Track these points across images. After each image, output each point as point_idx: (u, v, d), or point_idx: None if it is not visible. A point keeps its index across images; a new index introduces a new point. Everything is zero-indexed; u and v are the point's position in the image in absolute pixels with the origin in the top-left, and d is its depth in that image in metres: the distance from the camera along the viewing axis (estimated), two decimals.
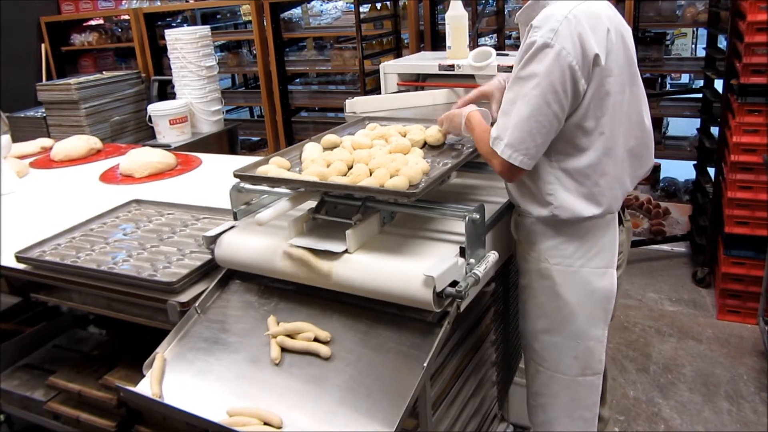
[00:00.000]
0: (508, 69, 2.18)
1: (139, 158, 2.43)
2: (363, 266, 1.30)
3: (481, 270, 1.29)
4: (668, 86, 6.13)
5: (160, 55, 4.55)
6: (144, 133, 4.00)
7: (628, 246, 1.72)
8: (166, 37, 3.72)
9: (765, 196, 2.78)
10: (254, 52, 4.49)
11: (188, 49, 3.67)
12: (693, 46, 6.82)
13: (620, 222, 1.60)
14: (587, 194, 1.45)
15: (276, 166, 1.50)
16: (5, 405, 2.02)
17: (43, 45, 4.78)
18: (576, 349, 1.58)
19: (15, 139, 2.94)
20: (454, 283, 1.24)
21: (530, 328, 1.64)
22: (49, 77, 4.76)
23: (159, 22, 4.71)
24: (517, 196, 1.54)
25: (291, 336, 1.32)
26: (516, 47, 4.24)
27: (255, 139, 5.11)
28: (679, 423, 2.37)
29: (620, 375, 2.66)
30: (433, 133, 1.65)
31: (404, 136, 1.66)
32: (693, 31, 6.58)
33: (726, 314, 3.01)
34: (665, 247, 3.75)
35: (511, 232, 1.65)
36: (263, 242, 1.42)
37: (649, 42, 3.64)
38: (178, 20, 5.26)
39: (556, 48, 1.29)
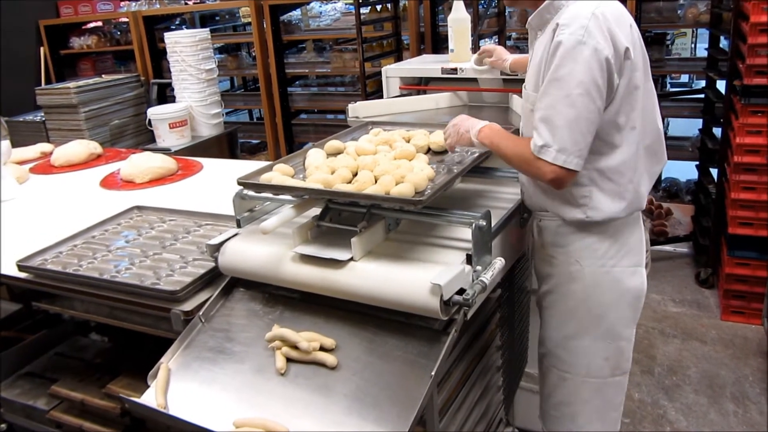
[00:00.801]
0: (511, 72, 2.17)
1: (140, 163, 2.42)
2: (369, 274, 1.29)
3: (488, 277, 1.27)
4: (668, 86, 6.13)
5: (159, 58, 4.54)
6: (144, 137, 3.99)
7: (649, 244, 1.71)
8: (166, 40, 3.70)
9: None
10: (254, 54, 4.48)
11: (188, 52, 3.65)
12: (693, 45, 6.81)
13: None
14: (620, 193, 1.44)
15: (280, 173, 1.49)
16: (7, 414, 2.00)
17: (42, 48, 4.77)
18: (607, 351, 1.56)
19: (14, 144, 2.93)
20: (461, 291, 1.23)
21: (555, 335, 1.61)
22: (48, 81, 4.75)
23: (158, 25, 4.70)
24: (544, 201, 1.52)
25: (293, 347, 1.30)
26: (518, 48, 4.24)
27: (255, 141, 5.10)
28: (685, 425, 2.36)
29: None
30: (437, 138, 1.64)
31: (408, 141, 1.65)
32: (693, 31, 6.58)
33: (730, 315, 3.00)
34: (668, 248, 3.74)
35: (529, 237, 1.63)
36: (267, 250, 1.41)
37: (650, 42, 3.63)
38: (177, 23, 5.24)
39: (591, 44, 1.27)
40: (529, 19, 1.47)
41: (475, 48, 2.45)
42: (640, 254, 1.53)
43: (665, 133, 4.10)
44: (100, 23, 5.08)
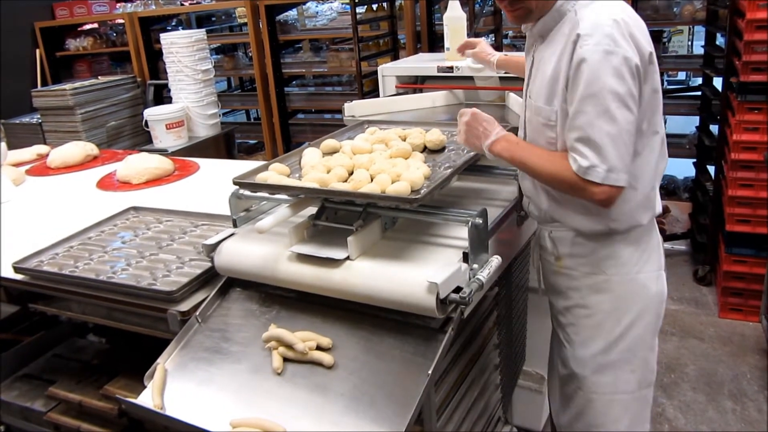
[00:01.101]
0: None
1: (136, 164, 2.42)
2: (365, 273, 1.29)
3: (484, 275, 1.27)
4: (665, 84, 6.13)
5: (155, 59, 4.53)
6: (140, 138, 3.98)
7: None
8: (162, 41, 3.70)
9: (766, 194, 2.78)
10: (250, 54, 4.48)
11: (184, 52, 3.65)
12: (689, 43, 6.82)
13: None
14: (644, 200, 1.39)
15: (275, 172, 1.49)
16: (5, 416, 1.99)
17: (37, 50, 4.77)
18: (632, 363, 1.49)
19: (10, 146, 2.92)
20: (457, 289, 1.23)
21: (582, 354, 1.52)
22: (44, 83, 4.75)
23: (154, 26, 4.69)
24: (561, 214, 1.45)
25: (288, 347, 1.30)
26: (514, 47, 4.24)
27: (252, 142, 5.10)
28: (683, 423, 2.36)
29: None
30: (433, 137, 1.64)
31: (404, 140, 1.65)
32: (689, 28, 6.58)
33: (728, 312, 3.00)
34: (665, 245, 3.70)
35: (535, 249, 1.57)
36: (264, 250, 1.41)
37: None
38: (173, 24, 5.24)
39: (620, 53, 1.22)
40: (533, 27, 1.40)
41: None
42: (661, 257, 1.49)
43: None
44: (95, 25, 5.08)
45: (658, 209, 1.45)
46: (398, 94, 2.47)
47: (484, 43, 2.01)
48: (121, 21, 4.68)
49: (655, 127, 1.36)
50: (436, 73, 2.38)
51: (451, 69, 2.33)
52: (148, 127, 3.64)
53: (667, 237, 3.65)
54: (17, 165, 2.79)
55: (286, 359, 1.30)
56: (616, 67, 1.22)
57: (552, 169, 1.33)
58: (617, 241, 1.43)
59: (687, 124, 4.10)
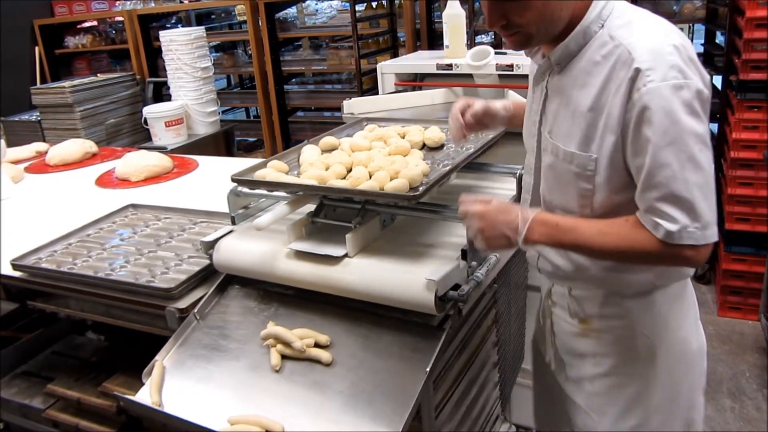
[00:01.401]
0: (507, 67, 2.17)
1: (135, 162, 2.41)
2: (363, 270, 1.29)
3: (482, 273, 1.27)
4: None
5: (154, 56, 4.53)
6: (139, 136, 3.98)
7: None
8: (161, 39, 3.69)
9: (765, 193, 2.78)
10: (249, 52, 4.48)
11: (183, 50, 3.65)
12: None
13: None
14: None
15: (274, 169, 1.49)
16: (4, 413, 1.99)
17: (36, 48, 4.76)
18: (677, 428, 1.31)
19: (9, 144, 2.92)
20: (456, 287, 1.22)
21: (620, 426, 1.30)
22: (44, 80, 4.74)
23: (153, 24, 4.69)
24: (592, 272, 1.22)
25: (286, 344, 1.30)
26: None
27: (251, 139, 5.10)
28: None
29: None
30: (432, 134, 1.63)
31: (403, 137, 1.65)
32: (689, 27, 6.58)
33: (727, 311, 3.00)
34: None
35: (546, 307, 1.38)
36: (262, 247, 1.41)
37: None
38: (173, 21, 5.23)
39: (692, 86, 1.01)
40: (552, 54, 1.14)
41: (471, 44, 2.45)
42: (695, 303, 1.31)
43: None
44: (95, 22, 5.07)
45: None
46: (397, 91, 2.47)
47: (480, 102, 1.44)
48: (120, 18, 4.67)
49: None
50: (435, 71, 2.38)
51: (450, 66, 2.33)
52: (147, 124, 3.64)
53: None
54: (16, 162, 2.79)
55: (284, 356, 1.30)
56: (689, 103, 1.01)
57: (622, 243, 1.09)
58: (658, 297, 1.23)
59: None
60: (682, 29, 6.81)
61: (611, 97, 1.05)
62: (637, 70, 1.01)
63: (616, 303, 1.24)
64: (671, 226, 1.03)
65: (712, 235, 1.04)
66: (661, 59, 1.01)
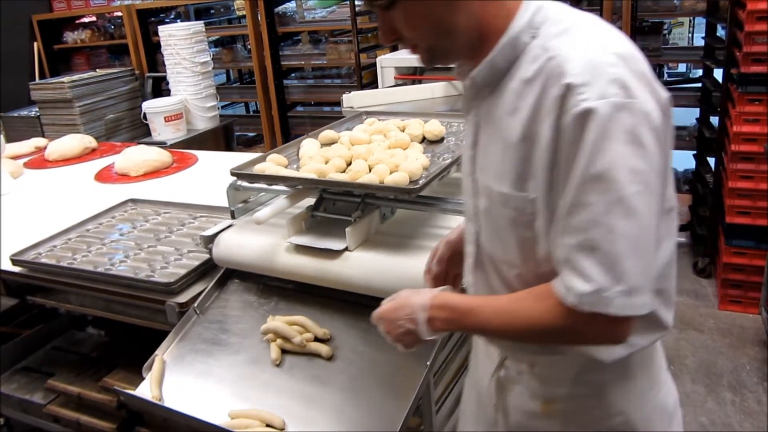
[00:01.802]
0: None
1: (134, 156, 2.41)
2: (363, 264, 1.28)
3: None
4: (666, 76, 6.11)
5: (153, 51, 4.52)
6: (139, 131, 3.97)
7: None
8: (160, 34, 3.68)
9: (766, 186, 2.77)
10: (249, 47, 4.46)
11: (182, 45, 3.63)
12: (690, 35, 6.79)
13: None
14: (665, 301, 0.96)
15: (273, 163, 1.48)
16: (4, 408, 2.00)
17: (35, 43, 4.74)
18: None
19: (9, 139, 2.92)
20: None
21: None
22: (42, 76, 4.73)
23: (152, 19, 4.67)
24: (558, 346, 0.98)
25: (286, 338, 1.30)
26: None
27: (251, 134, 5.09)
28: (682, 414, 2.36)
29: None
30: (432, 128, 1.63)
31: (403, 130, 1.64)
32: (690, 20, 6.56)
33: (727, 304, 3.00)
34: None
35: (506, 389, 1.07)
36: (262, 241, 1.40)
37: (647, 32, 3.61)
38: (172, 16, 5.21)
39: (636, 107, 0.79)
40: (474, 73, 0.91)
41: None
42: (663, 356, 1.10)
43: None
44: (93, 17, 5.05)
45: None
46: (397, 85, 2.46)
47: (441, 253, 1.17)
48: (119, 13, 4.66)
49: (671, 202, 0.93)
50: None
51: None
52: (146, 119, 3.63)
53: None
54: (15, 158, 2.78)
55: (284, 351, 1.29)
56: (631, 129, 0.78)
57: (519, 323, 0.90)
58: (635, 363, 0.99)
59: (687, 116, 4.09)
60: (682, 23, 6.79)
61: (544, 122, 0.83)
62: (568, 87, 0.79)
63: (590, 381, 0.99)
64: (582, 286, 0.80)
65: (641, 305, 0.81)
66: (598, 72, 0.79)
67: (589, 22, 0.88)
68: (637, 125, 0.78)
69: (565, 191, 0.82)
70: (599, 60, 0.80)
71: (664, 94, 0.84)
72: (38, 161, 2.75)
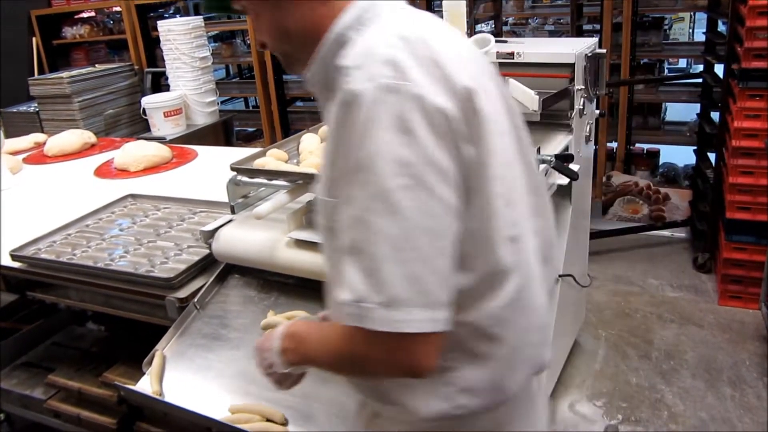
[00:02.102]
0: (507, 55, 2.15)
1: (134, 152, 2.41)
2: None
3: None
4: (666, 71, 6.10)
5: (153, 46, 4.50)
6: (138, 126, 3.96)
7: None
8: (159, 29, 3.67)
9: (766, 181, 2.77)
10: (248, 42, 4.45)
11: (181, 40, 3.62)
12: (691, 30, 6.78)
13: None
14: (509, 361, 0.83)
15: (273, 158, 1.48)
16: (5, 404, 2.00)
17: (34, 39, 4.73)
18: None
19: (8, 135, 2.91)
20: None
21: None
22: (41, 71, 4.71)
23: (151, 14, 4.65)
24: (383, 388, 0.84)
25: None
26: (514, 34, 4.21)
27: (251, 129, 5.08)
28: (682, 409, 2.37)
29: (622, 362, 2.65)
30: None
31: None
32: (691, 16, 6.54)
33: (727, 300, 3.00)
34: (665, 232, 3.74)
35: None
36: (262, 236, 1.40)
37: (648, 27, 3.60)
38: (171, 11, 5.20)
39: (408, 90, 0.70)
40: (308, 76, 0.85)
41: (471, 32, 2.43)
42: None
43: (663, 118, 4.13)
44: (92, 13, 5.03)
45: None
46: None
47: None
48: (118, 8, 4.64)
49: (517, 228, 0.80)
50: None
51: None
52: (146, 115, 3.62)
53: (666, 224, 3.65)
54: (14, 153, 2.78)
55: None
56: (401, 114, 0.69)
57: (327, 348, 0.81)
58: (471, 422, 0.84)
59: (688, 112, 4.09)
60: (682, 18, 6.77)
61: (330, 114, 0.77)
62: (342, 71, 0.74)
63: None
64: (344, 295, 0.70)
65: (404, 321, 0.68)
66: (372, 53, 0.72)
67: (407, 13, 0.82)
68: (408, 111, 0.69)
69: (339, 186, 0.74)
70: (377, 42, 0.74)
71: (467, 84, 0.74)
72: (37, 157, 2.74)
